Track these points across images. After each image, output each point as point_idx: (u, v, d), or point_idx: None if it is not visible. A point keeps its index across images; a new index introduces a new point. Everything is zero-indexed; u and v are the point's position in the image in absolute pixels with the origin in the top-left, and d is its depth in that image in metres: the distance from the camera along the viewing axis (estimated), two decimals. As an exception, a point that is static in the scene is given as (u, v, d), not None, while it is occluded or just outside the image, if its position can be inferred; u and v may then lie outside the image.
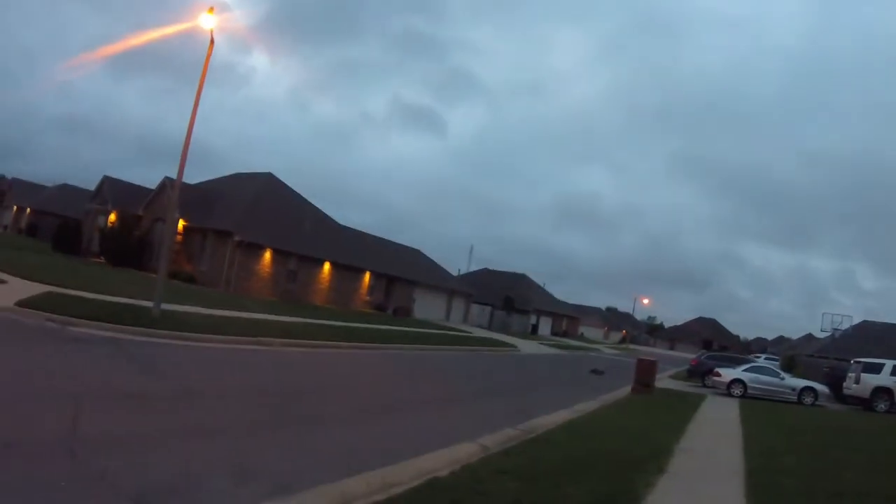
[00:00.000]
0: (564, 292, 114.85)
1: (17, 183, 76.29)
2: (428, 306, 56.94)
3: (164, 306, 19.89)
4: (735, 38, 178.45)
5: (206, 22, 20.26)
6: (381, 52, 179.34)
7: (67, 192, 68.22)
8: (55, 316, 16.36)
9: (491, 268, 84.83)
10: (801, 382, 28.50)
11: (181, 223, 40.51)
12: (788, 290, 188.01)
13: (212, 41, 20.57)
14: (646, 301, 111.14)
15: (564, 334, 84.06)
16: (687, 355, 59.97)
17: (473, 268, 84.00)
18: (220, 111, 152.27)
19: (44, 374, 10.57)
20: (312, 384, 15.59)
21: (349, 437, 9.91)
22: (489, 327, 64.17)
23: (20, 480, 5.82)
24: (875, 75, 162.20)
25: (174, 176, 22.22)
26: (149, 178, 46.04)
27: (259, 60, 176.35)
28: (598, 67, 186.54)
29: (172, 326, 18.13)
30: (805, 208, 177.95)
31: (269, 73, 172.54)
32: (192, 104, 20.62)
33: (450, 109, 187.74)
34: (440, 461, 8.55)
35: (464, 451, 9.34)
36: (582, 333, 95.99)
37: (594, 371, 33.27)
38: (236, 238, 38.41)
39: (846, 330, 53.71)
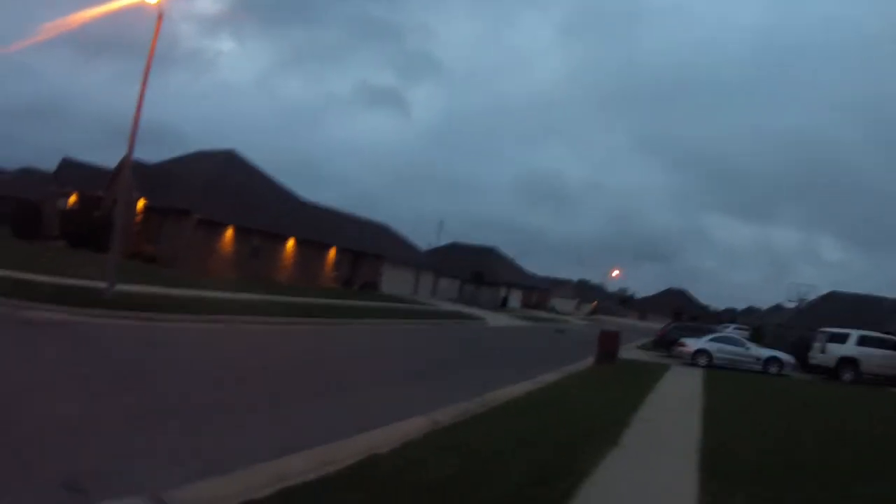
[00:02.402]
0: (536, 266, 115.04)
1: (-26, 169, 74.34)
2: (395, 281, 56.61)
3: (121, 287, 19.45)
4: (697, 18, 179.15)
5: (152, -4, 19.75)
6: (342, 35, 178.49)
7: (28, 176, 65.79)
8: (6, 300, 15.86)
9: (460, 241, 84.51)
10: (767, 352, 28.63)
11: (141, 203, 39.76)
12: (757, 261, 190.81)
13: (160, 16, 20.04)
14: (616, 273, 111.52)
15: (535, 307, 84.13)
16: (657, 326, 60.24)
17: (443, 242, 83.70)
18: (187, 94, 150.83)
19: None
20: (268, 361, 15.18)
21: (300, 414, 9.63)
22: (458, 301, 64.08)
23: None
24: (832, 57, 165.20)
25: (134, 156, 21.71)
26: (113, 160, 45.39)
27: (225, 44, 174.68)
28: (561, 48, 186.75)
29: (126, 306, 17.69)
30: (768, 183, 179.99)
31: (235, 56, 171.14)
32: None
33: (413, 90, 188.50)
34: (386, 437, 8.28)
35: (413, 426, 9.10)
36: (552, 306, 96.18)
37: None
38: (195, 216, 37.77)
39: (813, 300, 54.12)
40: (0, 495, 5.14)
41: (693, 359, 27.65)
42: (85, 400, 8.52)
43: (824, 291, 55.28)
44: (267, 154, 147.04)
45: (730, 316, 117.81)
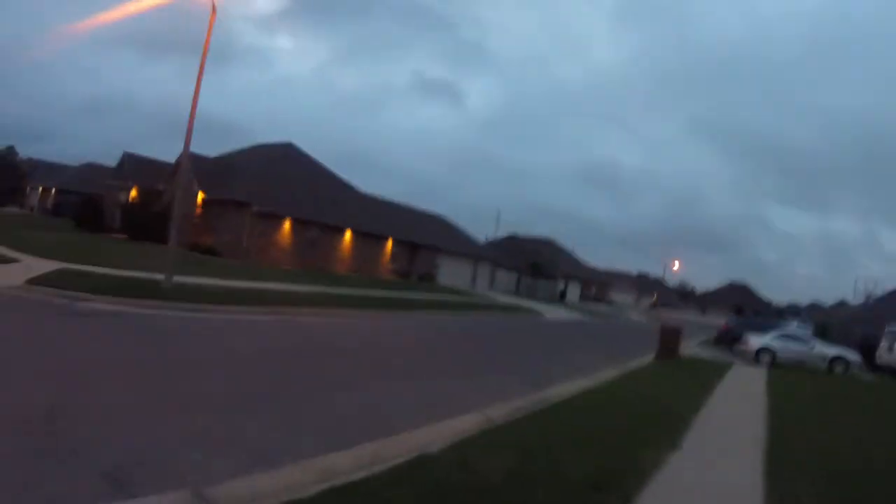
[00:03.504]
0: (595, 258, 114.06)
1: (41, 164, 76.26)
2: (453, 273, 56.41)
3: (179, 278, 19.65)
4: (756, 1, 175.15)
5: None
6: (395, 28, 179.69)
7: (91, 170, 67.72)
8: (64, 292, 16.11)
9: (517, 233, 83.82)
10: (833, 350, 27.62)
11: (200, 195, 40.29)
12: (821, 255, 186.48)
13: (213, 9, 20.18)
14: (676, 265, 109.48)
15: (594, 300, 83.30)
16: (718, 321, 59.04)
17: (500, 234, 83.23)
18: (246, 90, 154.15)
19: (38, 348, 10.35)
20: (320, 352, 15.07)
21: (349, 406, 9.46)
22: (516, 293, 63.66)
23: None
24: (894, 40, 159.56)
25: (194, 150, 21.89)
26: (174, 154, 46.41)
27: (282, 40, 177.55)
28: (615, 33, 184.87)
29: (182, 298, 17.81)
30: (833, 173, 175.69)
31: (292, 51, 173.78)
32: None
33: (468, 80, 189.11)
34: (439, 434, 8.16)
35: (466, 423, 8.94)
36: (611, 299, 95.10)
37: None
38: (253, 208, 38.07)
39: (880, 296, 52.36)
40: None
41: (756, 357, 26.89)
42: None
43: (892, 287, 53.50)
44: (325, 147, 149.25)
45: (793, 311, 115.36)
